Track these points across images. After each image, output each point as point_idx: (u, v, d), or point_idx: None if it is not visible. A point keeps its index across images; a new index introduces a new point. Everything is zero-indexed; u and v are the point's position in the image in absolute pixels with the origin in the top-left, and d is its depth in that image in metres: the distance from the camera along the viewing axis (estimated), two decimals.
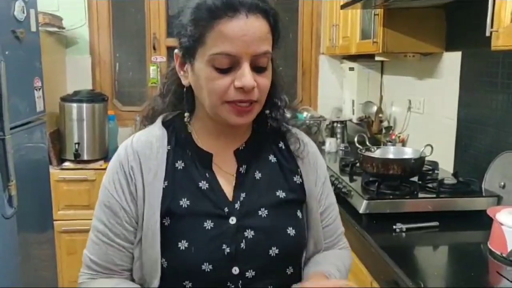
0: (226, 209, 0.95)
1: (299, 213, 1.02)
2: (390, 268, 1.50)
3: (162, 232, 0.93)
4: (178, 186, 0.95)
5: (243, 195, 0.97)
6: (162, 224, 0.93)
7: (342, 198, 2.02)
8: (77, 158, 2.88)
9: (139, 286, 0.97)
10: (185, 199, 0.94)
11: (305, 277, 1.02)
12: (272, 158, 1.03)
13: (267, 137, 1.05)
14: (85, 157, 2.92)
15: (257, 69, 0.89)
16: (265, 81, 0.92)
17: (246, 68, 0.87)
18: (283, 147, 1.06)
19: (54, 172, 2.83)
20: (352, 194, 1.96)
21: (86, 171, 2.90)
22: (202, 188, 0.96)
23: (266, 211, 0.97)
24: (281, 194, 1.00)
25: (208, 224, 0.93)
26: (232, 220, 0.94)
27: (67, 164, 2.92)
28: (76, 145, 2.87)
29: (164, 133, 0.99)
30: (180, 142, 0.99)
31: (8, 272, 1.98)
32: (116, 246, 0.96)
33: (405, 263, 1.49)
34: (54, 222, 2.65)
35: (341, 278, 1.03)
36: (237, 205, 0.96)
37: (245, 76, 0.86)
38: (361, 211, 1.83)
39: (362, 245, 1.74)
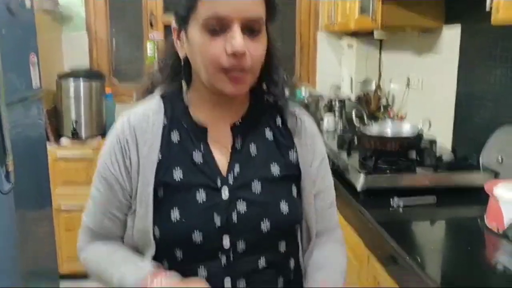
0: (219, 182, 0.95)
1: (294, 190, 1.01)
2: (387, 243, 1.51)
3: (155, 203, 0.94)
4: (173, 159, 0.95)
5: (237, 169, 0.97)
6: (156, 195, 0.94)
7: (340, 175, 2.02)
8: (74, 136, 2.88)
9: (133, 252, 0.99)
10: (179, 171, 0.94)
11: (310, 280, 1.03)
12: (268, 134, 1.02)
13: (264, 113, 1.04)
14: (83, 135, 2.91)
15: (249, 33, 0.88)
16: (257, 47, 0.90)
17: (236, 31, 0.86)
18: (280, 123, 1.04)
19: (52, 150, 2.83)
20: (349, 170, 1.96)
21: (84, 149, 2.90)
22: (196, 160, 0.96)
23: (259, 185, 0.97)
24: (276, 170, 0.99)
25: (201, 196, 0.93)
26: (225, 193, 0.95)
27: (64, 142, 2.91)
28: (74, 123, 2.87)
29: (161, 106, 0.99)
30: (176, 115, 0.99)
31: (6, 249, 1.99)
32: (111, 216, 0.98)
33: (402, 238, 1.50)
34: (53, 200, 2.66)
35: (343, 282, 1.03)
36: (230, 179, 0.96)
37: (235, 38, 0.85)
38: (358, 186, 1.84)
39: (359, 220, 1.75)
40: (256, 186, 0.96)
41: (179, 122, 0.98)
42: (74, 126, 2.86)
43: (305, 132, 1.04)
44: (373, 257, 1.68)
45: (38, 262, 2.35)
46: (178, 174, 0.94)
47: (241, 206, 0.94)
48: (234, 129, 1.00)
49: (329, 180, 1.09)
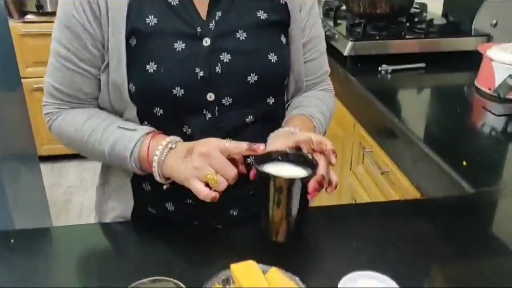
0: (199, 29, 0.85)
1: (282, 38, 0.92)
2: (375, 108, 1.46)
3: (128, 54, 0.84)
4: (145, 2, 0.84)
5: (218, 14, 0.87)
6: (128, 45, 0.84)
7: (326, 42, 1.91)
8: (40, 9, 2.66)
9: (113, 115, 0.90)
10: (152, 16, 0.84)
11: (287, 119, 0.95)
12: None
13: None
14: (49, 9, 2.69)
15: None
16: None
17: None
18: None
19: (17, 26, 2.64)
20: (336, 37, 1.86)
21: (52, 24, 2.71)
22: (172, 3, 0.85)
23: (245, 33, 0.87)
24: (262, 14, 0.89)
25: (179, 45, 0.84)
26: (206, 42, 0.85)
27: (29, 17, 2.71)
28: None
29: None
30: None
31: None
32: (82, 72, 0.87)
33: (389, 103, 1.45)
34: (23, 80, 2.53)
35: (325, 121, 0.98)
36: (211, 25, 0.86)
37: None
38: (345, 53, 1.75)
39: (346, 88, 1.69)
40: (241, 34, 0.87)
41: None
42: None
43: None
44: (359, 124, 1.64)
45: (15, 145, 2.28)
46: (151, 19, 0.83)
47: (225, 56, 0.85)
48: None
49: (319, 29, 1.00)
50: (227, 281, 0.69)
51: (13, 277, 0.76)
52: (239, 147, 0.74)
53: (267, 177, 0.69)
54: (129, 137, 0.83)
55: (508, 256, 0.84)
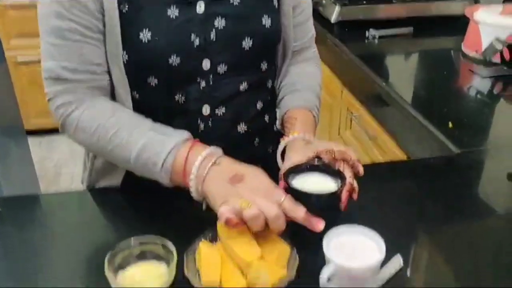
0: None
1: (274, 2, 0.91)
2: (363, 73, 1.46)
3: (121, 22, 0.80)
4: None
5: None
6: (120, 12, 0.80)
7: (313, 8, 1.90)
8: None
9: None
10: None
11: (287, 113, 0.94)
12: None
13: None
14: None
15: None
16: None
17: None
18: None
19: None
20: (324, 2, 1.84)
21: None
22: None
23: None
24: None
25: (173, 12, 0.82)
26: (200, 7, 0.83)
27: None
28: None
29: None
30: None
31: None
32: (91, 41, 0.81)
33: (377, 68, 1.46)
34: (8, 53, 2.48)
35: (319, 101, 0.98)
36: None
37: None
38: (333, 19, 1.74)
39: (334, 53, 1.68)
40: None
41: None
42: None
43: None
44: (347, 90, 1.65)
45: (1, 120, 2.26)
46: None
47: (220, 22, 0.84)
48: None
49: None
50: (214, 238, 0.70)
51: (3, 247, 0.76)
52: (297, 213, 0.67)
53: (303, 194, 0.69)
54: (162, 143, 0.76)
55: (492, 215, 0.86)
